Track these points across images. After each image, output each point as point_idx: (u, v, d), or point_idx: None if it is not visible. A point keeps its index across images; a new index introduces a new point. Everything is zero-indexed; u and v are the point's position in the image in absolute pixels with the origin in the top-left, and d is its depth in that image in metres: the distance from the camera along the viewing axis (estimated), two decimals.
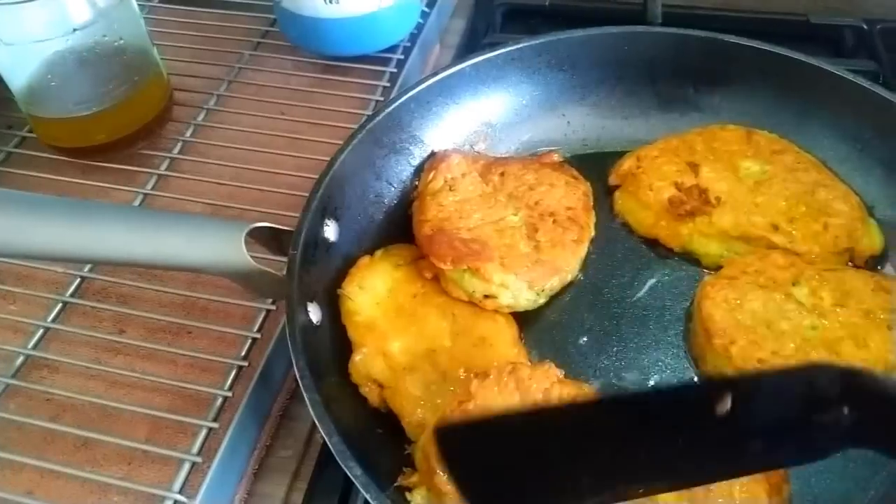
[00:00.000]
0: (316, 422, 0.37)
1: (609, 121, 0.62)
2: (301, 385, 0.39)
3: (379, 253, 0.52)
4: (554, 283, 0.51)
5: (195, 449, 0.48)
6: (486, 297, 0.49)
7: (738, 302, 0.46)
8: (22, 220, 0.44)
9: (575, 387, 0.42)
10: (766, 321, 0.45)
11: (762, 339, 0.44)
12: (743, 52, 0.59)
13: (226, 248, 0.44)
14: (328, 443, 0.37)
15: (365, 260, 0.51)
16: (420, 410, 0.44)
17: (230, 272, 0.45)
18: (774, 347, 0.44)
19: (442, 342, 0.48)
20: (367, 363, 0.46)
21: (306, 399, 0.38)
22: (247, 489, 0.50)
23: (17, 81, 0.62)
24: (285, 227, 0.47)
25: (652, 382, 0.48)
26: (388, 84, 0.75)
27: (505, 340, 0.48)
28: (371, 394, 0.46)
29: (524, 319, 0.51)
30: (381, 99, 0.73)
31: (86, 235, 0.44)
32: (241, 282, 0.46)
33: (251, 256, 0.45)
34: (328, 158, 0.66)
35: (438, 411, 0.43)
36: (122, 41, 0.63)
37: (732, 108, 0.61)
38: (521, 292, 0.50)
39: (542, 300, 0.51)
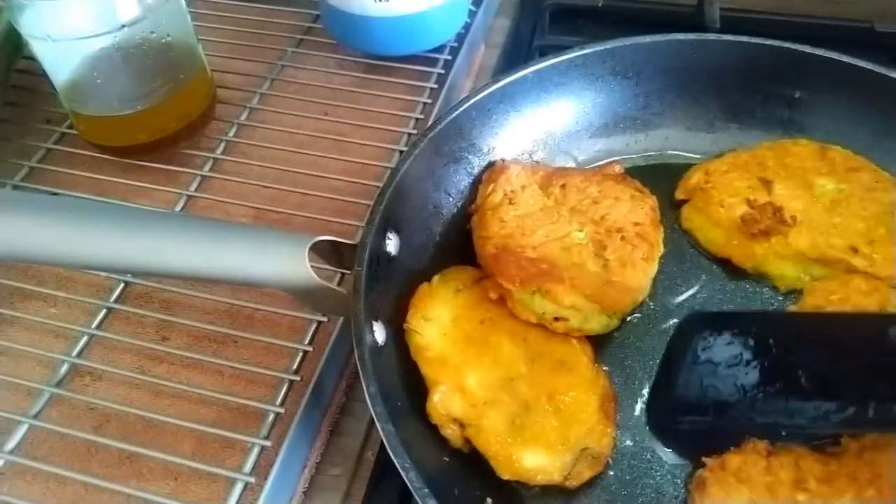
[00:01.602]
0: (391, 455, 0.35)
1: (673, 131, 0.60)
2: (374, 414, 0.37)
3: (436, 279, 0.50)
4: (626, 305, 0.49)
5: (248, 467, 0.47)
6: (557, 319, 0.47)
7: None
8: (69, 228, 0.42)
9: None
10: None
11: None
12: (817, 63, 0.56)
13: (288, 262, 0.41)
14: (405, 478, 0.35)
15: (424, 288, 0.49)
16: (508, 446, 0.41)
17: (292, 288, 0.43)
18: None
19: (519, 369, 0.45)
20: (446, 403, 0.43)
21: (380, 430, 0.36)
22: None
23: (61, 77, 0.60)
24: (347, 241, 0.45)
25: None
26: (435, 86, 0.72)
27: (583, 363, 0.46)
28: (453, 435, 0.43)
29: (593, 342, 0.49)
30: (429, 101, 0.71)
31: (138, 246, 0.42)
32: (301, 297, 0.44)
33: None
34: (374, 162, 0.65)
35: (528, 444, 0.41)
36: (169, 38, 0.61)
37: (804, 121, 0.58)
38: (594, 315, 0.47)
39: (614, 323, 0.49)
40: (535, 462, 0.41)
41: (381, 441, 0.50)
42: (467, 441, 0.43)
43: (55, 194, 0.63)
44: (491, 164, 0.55)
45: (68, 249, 0.41)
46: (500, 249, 0.49)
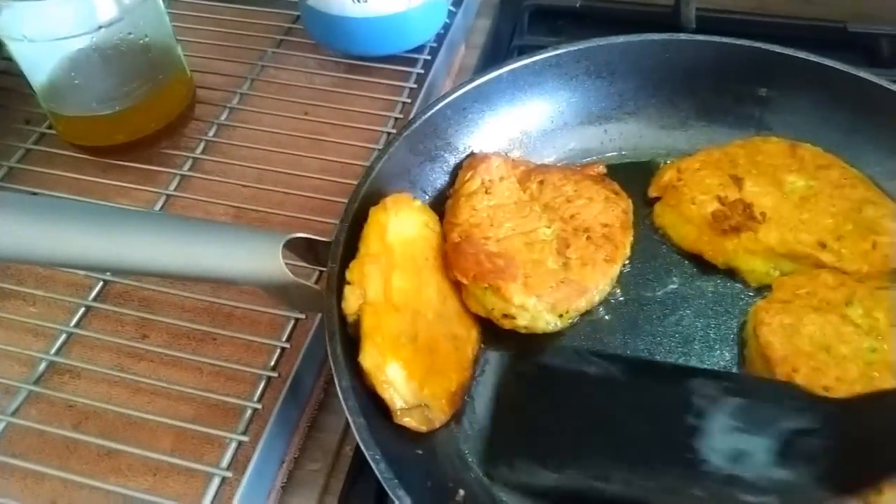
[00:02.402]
0: (362, 447, 0.36)
1: (647, 130, 0.61)
2: (346, 407, 0.37)
3: (419, 203, 0.51)
4: (580, 305, 0.49)
5: (224, 462, 0.47)
6: (505, 316, 0.48)
7: (795, 327, 0.45)
8: (48, 227, 0.43)
9: None
10: (824, 346, 0.44)
11: (825, 366, 0.43)
12: (786, 63, 0.57)
13: (263, 259, 0.42)
14: (375, 469, 0.35)
15: (406, 197, 0.50)
16: (380, 347, 0.41)
17: (266, 284, 0.43)
18: (838, 373, 0.42)
19: (426, 313, 0.46)
20: (371, 270, 0.43)
21: (351, 423, 0.37)
22: (276, 503, 0.49)
23: (39, 78, 0.60)
24: (322, 238, 0.46)
25: None
26: (414, 85, 0.73)
27: (468, 353, 0.47)
28: (349, 303, 0.42)
29: (549, 339, 0.50)
30: (408, 101, 0.71)
31: (115, 244, 0.42)
32: (275, 294, 0.44)
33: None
34: (353, 161, 0.66)
35: (395, 357, 0.42)
36: (147, 39, 0.61)
37: (775, 119, 0.59)
38: (541, 315, 0.48)
39: (563, 324, 0.49)
40: (393, 375, 0.41)
41: None
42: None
43: (35, 194, 0.63)
44: (472, 154, 0.56)
45: (46, 248, 0.42)
46: (463, 239, 0.50)
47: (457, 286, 0.49)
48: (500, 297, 0.47)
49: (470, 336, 0.48)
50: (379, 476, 0.35)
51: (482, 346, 0.49)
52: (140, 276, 0.57)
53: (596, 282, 0.49)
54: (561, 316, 0.49)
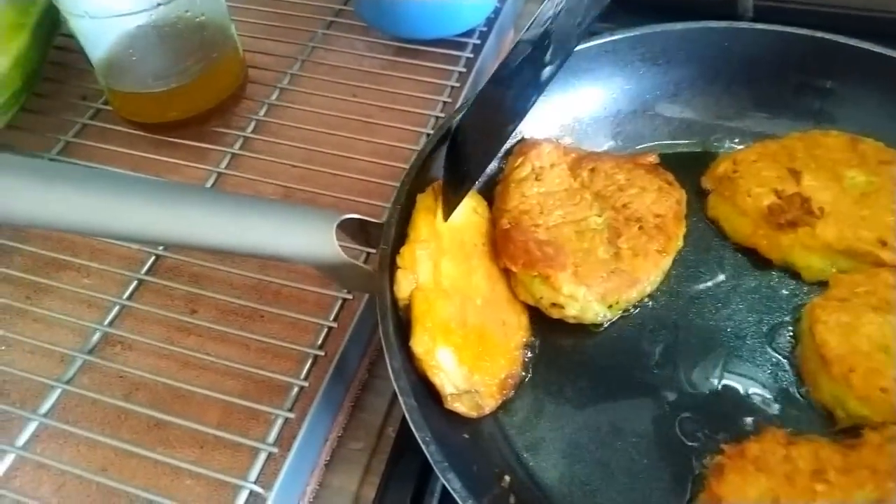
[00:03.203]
0: (413, 428, 0.36)
1: (702, 119, 0.60)
2: (397, 388, 0.38)
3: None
4: (630, 296, 0.49)
5: (271, 438, 0.48)
6: (553, 305, 0.47)
7: (853, 326, 0.44)
8: (108, 200, 0.43)
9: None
10: (882, 346, 0.43)
11: (883, 366, 0.42)
12: (850, 54, 0.55)
13: (316, 238, 0.42)
14: (426, 451, 0.35)
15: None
16: (431, 332, 0.41)
17: (318, 263, 0.43)
18: None
19: (475, 299, 0.46)
20: (422, 255, 0.43)
21: (402, 403, 0.37)
22: (318, 481, 0.49)
23: (97, 53, 0.61)
24: (374, 220, 0.46)
25: (758, 404, 0.45)
26: (463, 69, 0.73)
27: (517, 339, 0.47)
28: (401, 287, 0.42)
29: (597, 330, 0.49)
30: (457, 85, 0.71)
31: (172, 218, 0.43)
32: (327, 273, 0.45)
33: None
34: (401, 145, 0.66)
35: (445, 342, 0.42)
36: (203, 17, 0.61)
37: (836, 112, 0.57)
38: (591, 305, 0.47)
39: (612, 315, 0.49)
40: (444, 360, 0.41)
41: (402, 418, 0.51)
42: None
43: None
44: (523, 139, 0.56)
45: (102, 219, 0.42)
46: (512, 226, 0.49)
47: (506, 273, 0.49)
48: (548, 286, 0.47)
49: (519, 323, 0.48)
50: (429, 458, 0.35)
51: (531, 333, 0.49)
52: (191, 252, 0.58)
53: (647, 273, 0.48)
54: (610, 307, 0.48)
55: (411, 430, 0.38)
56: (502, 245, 0.48)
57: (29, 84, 0.67)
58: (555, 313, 0.48)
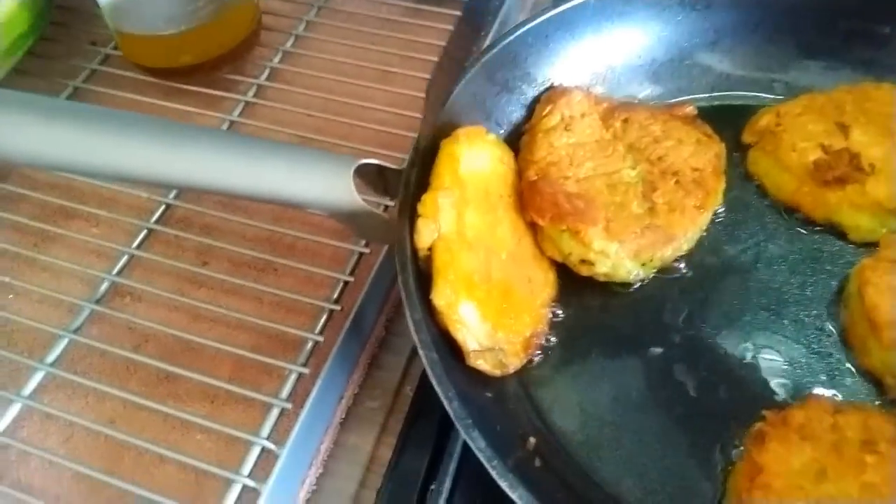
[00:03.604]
0: (434, 383, 0.34)
1: (743, 70, 0.56)
2: (417, 341, 0.35)
3: (493, 137, 0.47)
4: (665, 254, 0.46)
5: (284, 393, 0.46)
6: (582, 261, 0.45)
7: None
8: (116, 139, 0.41)
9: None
10: None
11: None
12: None
13: (333, 183, 0.40)
14: (448, 408, 0.33)
15: (480, 130, 0.46)
16: (453, 285, 0.39)
17: (335, 210, 0.41)
18: None
19: (500, 253, 0.43)
20: (445, 203, 0.40)
21: (423, 357, 0.35)
22: (333, 439, 0.48)
23: None
24: (393, 166, 0.43)
25: (798, 371, 0.43)
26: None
27: (543, 297, 0.45)
28: (422, 236, 0.39)
29: (626, 289, 0.47)
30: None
31: (184, 159, 0.40)
32: (344, 221, 0.42)
33: None
34: (420, 94, 0.62)
35: (468, 297, 0.39)
36: None
37: (886, 64, 0.53)
38: (623, 262, 0.44)
39: (645, 273, 0.46)
40: (466, 315, 0.39)
41: (420, 376, 0.50)
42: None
43: None
44: (551, 87, 0.52)
45: (111, 159, 0.40)
46: (540, 177, 0.46)
47: (532, 227, 0.46)
48: (578, 242, 0.44)
49: (546, 279, 0.45)
50: (452, 415, 0.33)
51: (557, 290, 0.46)
52: (202, 202, 0.56)
53: (684, 229, 0.46)
54: (643, 265, 0.45)
55: (429, 390, 0.36)
56: (529, 197, 0.46)
57: (35, 27, 0.64)
58: (584, 270, 0.45)
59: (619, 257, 0.44)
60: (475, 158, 0.44)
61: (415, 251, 0.39)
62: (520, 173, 0.48)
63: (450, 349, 0.39)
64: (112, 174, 0.41)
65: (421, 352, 0.35)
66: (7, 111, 0.42)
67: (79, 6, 0.70)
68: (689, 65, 0.56)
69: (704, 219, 0.47)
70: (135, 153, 0.40)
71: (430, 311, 0.39)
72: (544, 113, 0.50)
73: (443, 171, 0.42)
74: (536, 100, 0.52)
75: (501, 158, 0.47)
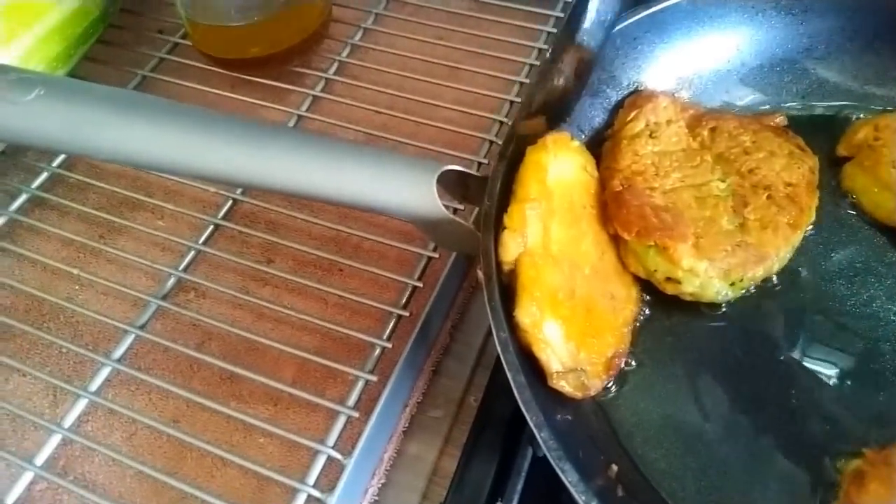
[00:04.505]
0: (523, 409, 0.32)
1: (838, 79, 0.53)
2: (504, 362, 0.33)
3: (577, 144, 0.45)
4: (756, 274, 0.43)
5: (351, 401, 0.45)
6: (668, 279, 0.42)
7: None
8: (195, 136, 0.40)
9: None
10: None
11: None
12: None
13: (416, 191, 0.38)
14: (538, 436, 0.31)
15: (566, 136, 0.44)
16: (539, 303, 0.37)
17: (417, 217, 0.39)
18: None
19: (584, 268, 0.41)
20: (532, 216, 0.39)
21: (511, 381, 0.33)
22: (396, 448, 0.47)
23: None
24: (476, 174, 0.41)
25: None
26: (561, 14, 0.67)
27: (626, 315, 0.42)
28: (509, 250, 0.37)
29: (714, 309, 0.44)
30: (553, 31, 0.65)
31: (265, 160, 0.39)
32: (424, 228, 0.41)
33: None
34: (489, 93, 0.61)
35: (553, 314, 0.38)
36: None
37: None
38: (712, 282, 0.42)
39: (734, 294, 0.43)
40: (551, 334, 0.37)
41: (486, 386, 0.48)
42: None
43: None
44: (636, 91, 0.50)
45: (189, 156, 0.39)
46: (625, 187, 0.44)
47: (615, 240, 0.44)
48: (665, 259, 0.42)
49: (629, 296, 0.43)
50: (543, 446, 0.31)
51: (640, 308, 0.44)
52: (268, 198, 0.55)
53: (777, 248, 0.43)
54: (733, 284, 0.43)
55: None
56: (614, 209, 0.43)
57: (106, 14, 0.64)
58: (670, 289, 0.43)
59: (707, 276, 0.42)
60: (561, 167, 0.42)
61: (499, 264, 0.37)
62: (603, 183, 0.46)
63: (529, 368, 0.38)
64: (188, 172, 0.40)
65: (508, 374, 0.33)
66: (79, 103, 0.41)
67: None
68: (781, 72, 0.53)
69: (797, 237, 0.44)
70: (212, 152, 0.39)
71: (511, 328, 0.37)
72: (629, 119, 0.48)
73: (529, 180, 0.40)
74: (620, 104, 0.50)
75: (585, 167, 0.45)
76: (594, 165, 0.46)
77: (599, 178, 0.46)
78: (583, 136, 0.49)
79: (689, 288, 0.42)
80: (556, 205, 0.41)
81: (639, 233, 0.42)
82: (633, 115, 0.48)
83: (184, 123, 0.39)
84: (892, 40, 0.52)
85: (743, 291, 0.44)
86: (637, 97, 0.49)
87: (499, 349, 0.34)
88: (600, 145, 0.49)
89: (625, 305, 0.43)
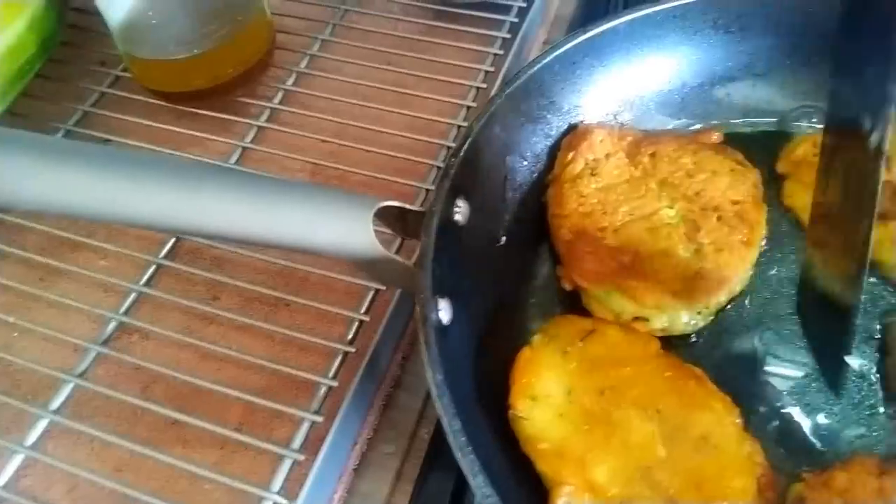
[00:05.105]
0: (456, 454, 0.32)
1: (777, 95, 0.53)
2: (439, 406, 0.33)
3: (537, 339, 0.42)
4: (720, 299, 0.43)
5: (296, 444, 0.44)
6: (637, 319, 0.42)
7: None
8: (122, 183, 0.39)
9: None
10: None
11: None
12: None
13: (351, 228, 0.37)
14: (471, 482, 0.31)
15: (525, 354, 0.41)
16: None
17: (353, 256, 0.39)
18: None
19: (655, 453, 0.37)
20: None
21: (445, 426, 0.32)
22: (347, 487, 0.46)
23: (116, 15, 0.56)
24: (414, 208, 0.41)
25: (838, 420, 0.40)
26: (507, 35, 0.67)
27: (729, 434, 0.37)
28: None
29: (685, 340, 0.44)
30: (500, 52, 0.65)
31: (192, 205, 0.38)
32: (361, 266, 0.40)
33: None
34: (438, 119, 0.60)
35: None
36: None
37: None
38: (679, 315, 0.42)
39: (702, 322, 0.43)
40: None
41: (437, 421, 0.47)
42: None
43: (108, 141, 0.60)
44: (572, 128, 0.50)
45: (114, 207, 0.38)
46: (575, 235, 0.44)
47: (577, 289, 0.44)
48: (629, 299, 0.41)
49: (715, 408, 0.39)
50: (476, 492, 0.31)
51: None
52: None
53: (735, 269, 0.43)
54: (699, 312, 0.43)
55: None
56: (568, 260, 0.43)
57: (45, 49, 0.62)
58: (639, 328, 0.42)
59: (674, 310, 0.42)
60: (545, 402, 0.39)
61: (436, 301, 0.37)
62: (553, 232, 0.45)
63: (475, 403, 0.37)
64: (113, 221, 0.39)
65: (444, 419, 0.32)
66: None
67: (88, 25, 0.68)
68: (721, 90, 0.53)
69: (753, 254, 0.45)
70: (136, 201, 0.38)
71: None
72: (567, 161, 0.48)
73: (543, 465, 0.37)
74: (556, 147, 0.50)
75: (564, 351, 0.41)
76: (567, 328, 0.43)
77: (551, 229, 0.46)
78: (525, 164, 0.49)
79: (658, 324, 0.42)
80: (580, 444, 0.38)
81: (598, 277, 0.42)
82: (570, 156, 0.48)
83: (107, 170, 0.38)
84: (829, 57, 0.52)
85: (711, 317, 0.44)
86: (572, 137, 0.49)
87: (434, 393, 0.33)
88: (544, 193, 0.49)
89: None
